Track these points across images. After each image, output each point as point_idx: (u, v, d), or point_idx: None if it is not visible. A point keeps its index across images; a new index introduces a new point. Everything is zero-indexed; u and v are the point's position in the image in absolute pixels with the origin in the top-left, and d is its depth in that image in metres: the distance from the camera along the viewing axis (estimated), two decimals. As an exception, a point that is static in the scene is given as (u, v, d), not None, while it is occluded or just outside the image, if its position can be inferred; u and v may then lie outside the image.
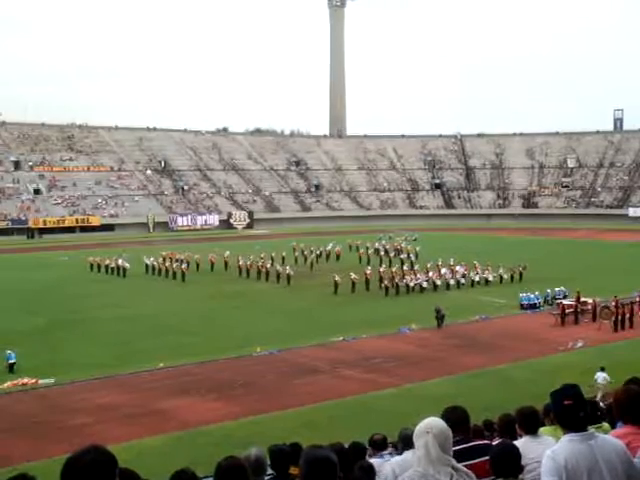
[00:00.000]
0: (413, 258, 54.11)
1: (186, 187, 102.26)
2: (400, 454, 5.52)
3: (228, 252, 54.00)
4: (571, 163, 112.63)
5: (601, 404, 10.23)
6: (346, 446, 6.39)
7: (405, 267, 47.96)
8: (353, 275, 42.70)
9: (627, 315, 31.60)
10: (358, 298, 40.20)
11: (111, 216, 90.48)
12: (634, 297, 34.68)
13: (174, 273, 48.87)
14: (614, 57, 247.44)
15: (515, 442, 4.67)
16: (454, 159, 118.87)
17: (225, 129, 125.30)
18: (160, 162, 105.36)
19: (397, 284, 41.94)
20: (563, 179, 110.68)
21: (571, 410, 3.71)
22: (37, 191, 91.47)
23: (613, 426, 5.23)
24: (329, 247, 59.23)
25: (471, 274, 44.80)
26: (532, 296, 36.83)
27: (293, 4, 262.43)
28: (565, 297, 36.29)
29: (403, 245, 61.80)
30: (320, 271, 49.97)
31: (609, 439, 3.79)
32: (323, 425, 18.65)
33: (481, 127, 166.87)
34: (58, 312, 36.47)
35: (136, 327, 32.80)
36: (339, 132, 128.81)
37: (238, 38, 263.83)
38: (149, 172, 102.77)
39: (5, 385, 23.34)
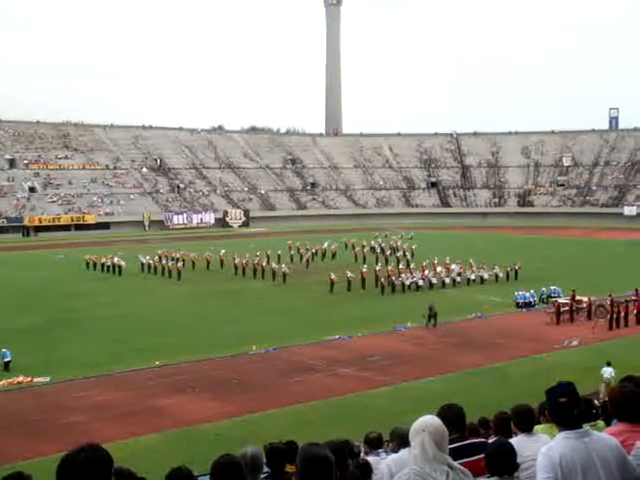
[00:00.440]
0: (409, 256, 54.21)
1: (182, 185, 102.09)
2: (395, 452, 5.52)
3: (224, 250, 54.02)
4: (566, 162, 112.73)
5: (595, 402, 10.25)
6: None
7: (401, 265, 47.98)
8: (349, 273, 42.70)
9: (622, 314, 31.73)
10: (354, 296, 40.22)
11: (107, 214, 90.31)
12: (629, 296, 34.74)
13: (170, 271, 48.87)
14: (609, 56, 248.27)
15: (511, 440, 4.68)
16: (450, 157, 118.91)
17: (221, 127, 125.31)
18: (156, 160, 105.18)
19: (393, 282, 41.98)
20: (558, 178, 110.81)
21: (566, 408, 3.72)
22: (32, 189, 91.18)
23: (608, 424, 5.25)
24: (325, 245, 59.31)
25: (467, 272, 44.91)
26: (527, 294, 36.93)
27: (289, 2, 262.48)
28: (559, 296, 36.37)
29: (399, 243, 61.89)
30: (316, 269, 50.01)
31: (604, 436, 3.80)
32: (318, 423, 18.65)
33: (477, 126, 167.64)
34: (53, 310, 36.40)
35: (132, 325, 32.76)
36: (335, 130, 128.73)
37: (234, 36, 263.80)
38: (145, 170, 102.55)
39: (0, 383, 23.31)
